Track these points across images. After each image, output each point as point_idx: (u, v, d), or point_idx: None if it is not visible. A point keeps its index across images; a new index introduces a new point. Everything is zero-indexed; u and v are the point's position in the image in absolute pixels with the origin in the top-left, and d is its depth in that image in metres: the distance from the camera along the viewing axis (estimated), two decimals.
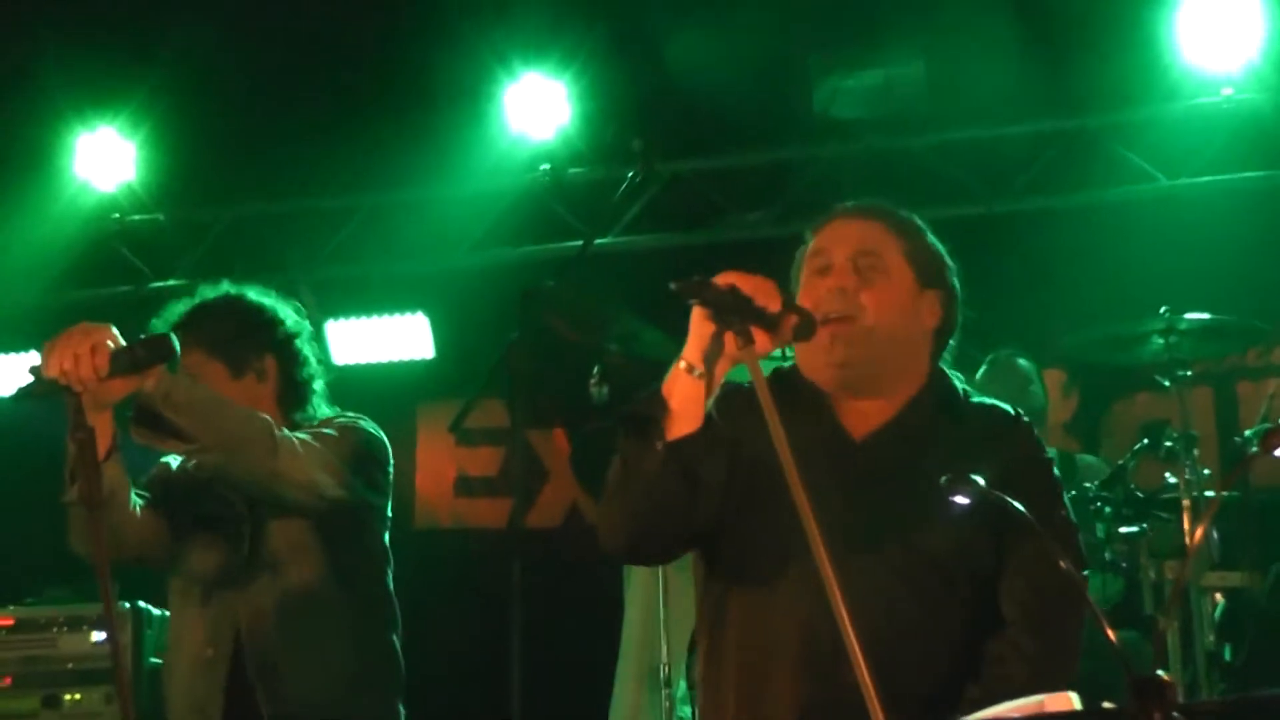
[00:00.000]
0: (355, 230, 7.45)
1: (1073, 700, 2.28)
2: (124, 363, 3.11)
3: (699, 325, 2.64)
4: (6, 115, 6.98)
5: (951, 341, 3.02)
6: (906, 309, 2.91)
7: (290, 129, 6.99)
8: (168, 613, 4.06)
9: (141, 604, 5.25)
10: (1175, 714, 1.98)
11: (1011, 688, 2.57)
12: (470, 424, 5.90)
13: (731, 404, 2.76)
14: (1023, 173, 6.78)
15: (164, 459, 3.89)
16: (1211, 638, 5.23)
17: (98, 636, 5.28)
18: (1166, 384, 5.56)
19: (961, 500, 2.58)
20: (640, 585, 5.63)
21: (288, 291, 4.14)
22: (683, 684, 4.99)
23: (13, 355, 7.50)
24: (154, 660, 5.16)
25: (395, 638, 3.92)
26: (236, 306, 3.91)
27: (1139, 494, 5.47)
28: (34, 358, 3.20)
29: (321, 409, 3.93)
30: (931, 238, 3.01)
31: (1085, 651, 2.84)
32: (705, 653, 2.96)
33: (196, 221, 7.56)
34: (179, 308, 3.85)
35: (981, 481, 2.54)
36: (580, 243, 6.45)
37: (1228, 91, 6.39)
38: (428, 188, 7.25)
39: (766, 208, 7.04)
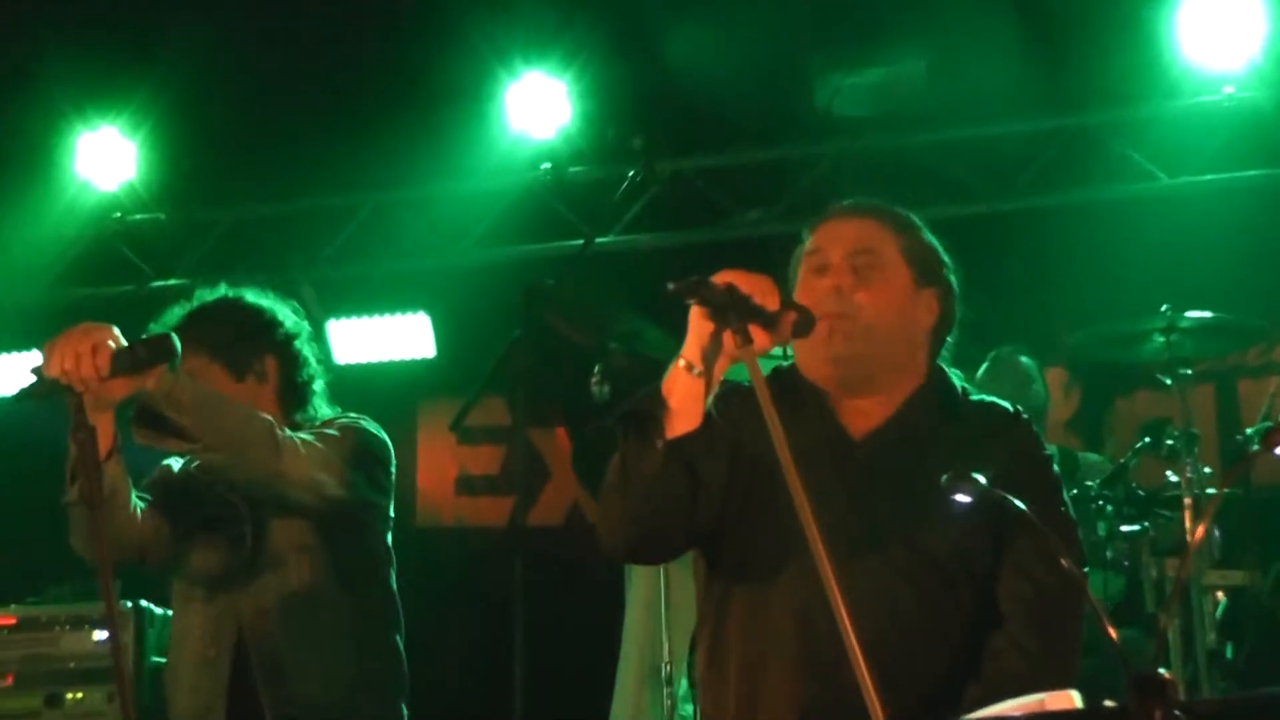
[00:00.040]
0: (356, 229, 7.44)
1: (1074, 699, 2.27)
2: (125, 363, 3.11)
3: (697, 324, 2.63)
4: (7, 115, 6.97)
5: (950, 339, 3.01)
6: (904, 307, 2.90)
7: (291, 128, 6.98)
8: (170, 612, 4.07)
9: (144, 603, 5.25)
10: (1176, 712, 1.98)
11: (1011, 683, 2.57)
12: (471, 423, 5.89)
13: (731, 404, 2.75)
14: (1024, 171, 6.76)
15: (165, 461, 3.90)
16: (1212, 636, 5.22)
17: (100, 635, 5.27)
18: (1168, 382, 5.56)
19: (962, 498, 2.58)
20: (642, 584, 5.62)
21: (288, 291, 4.14)
22: (684, 682, 4.98)
23: (13, 355, 7.50)
24: (156, 659, 5.16)
25: (398, 638, 3.91)
26: (235, 309, 3.91)
27: (1140, 492, 5.47)
28: (35, 357, 3.20)
29: (322, 409, 3.93)
30: (928, 235, 3.00)
31: (1086, 649, 2.84)
32: (706, 651, 2.95)
33: (198, 221, 7.55)
34: (177, 312, 3.84)
35: (982, 479, 2.54)
36: (581, 241, 6.43)
37: (1229, 90, 6.37)
38: (429, 187, 7.25)
39: (768, 206, 7.02)
